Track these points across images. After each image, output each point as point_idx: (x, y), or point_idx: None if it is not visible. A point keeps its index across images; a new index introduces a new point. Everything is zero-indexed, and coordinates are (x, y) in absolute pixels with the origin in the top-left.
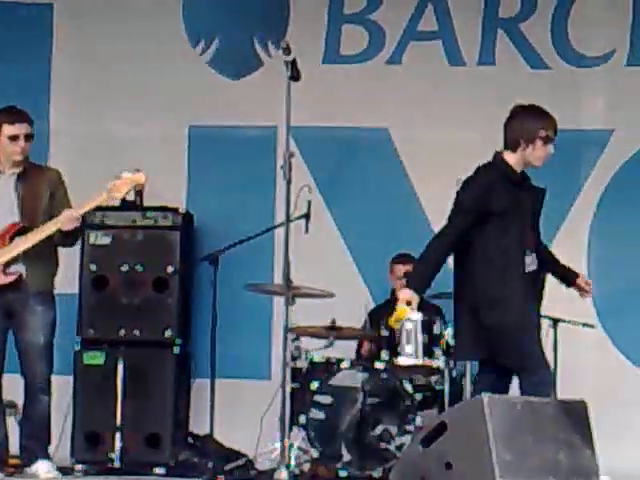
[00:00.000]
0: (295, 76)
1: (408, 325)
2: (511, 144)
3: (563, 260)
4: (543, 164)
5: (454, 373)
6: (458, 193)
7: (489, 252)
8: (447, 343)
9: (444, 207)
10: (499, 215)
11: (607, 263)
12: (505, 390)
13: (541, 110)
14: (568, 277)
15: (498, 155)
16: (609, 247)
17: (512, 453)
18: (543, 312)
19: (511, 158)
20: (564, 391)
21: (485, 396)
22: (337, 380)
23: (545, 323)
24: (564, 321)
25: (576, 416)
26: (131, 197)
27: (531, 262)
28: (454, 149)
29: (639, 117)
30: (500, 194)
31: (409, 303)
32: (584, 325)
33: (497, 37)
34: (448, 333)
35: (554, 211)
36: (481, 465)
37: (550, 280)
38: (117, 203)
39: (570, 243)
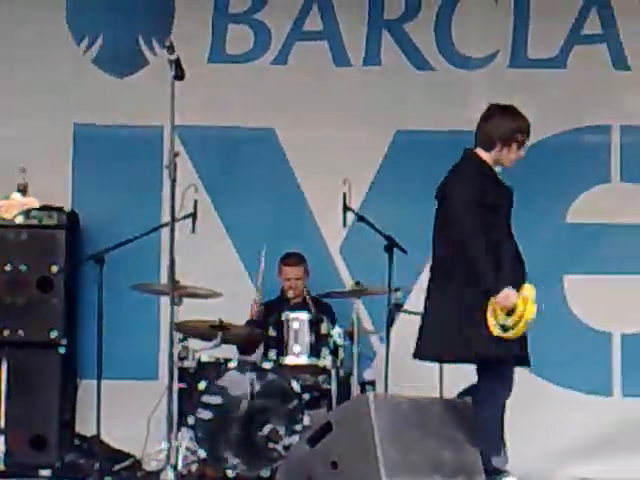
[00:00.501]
0: (179, 75)
1: (295, 324)
2: (486, 144)
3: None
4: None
5: (341, 372)
6: (446, 193)
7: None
8: (335, 342)
9: (331, 206)
10: (490, 209)
11: None
12: None
13: (517, 112)
14: None
15: (474, 153)
16: None
17: (398, 451)
18: None
19: (485, 156)
20: (449, 390)
21: (370, 394)
22: (225, 380)
23: None
24: None
25: (461, 414)
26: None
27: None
28: (340, 149)
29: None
30: (489, 189)
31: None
32: None
33: (382, 38)
34: (336, 332)
35: None
36: (367, 464)
37: None
38: None
39: None
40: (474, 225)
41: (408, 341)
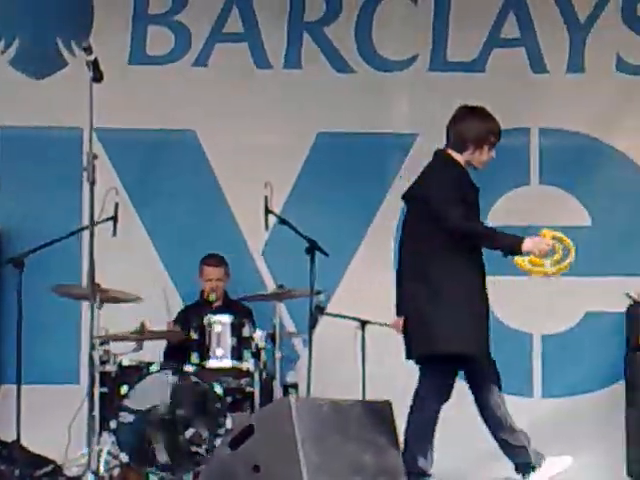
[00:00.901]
0: (98, 77)
1: (217, 328)
2: (458, 145)
3: (373, 262)
4: None
5: (264, 375)
6: (425, 193)
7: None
8: (257, 345)
9: (253, 209)
10: (468, 206)
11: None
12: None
13: (488, 114)
14: None
15: (447, 154)
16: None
17: (319, 454)
18: (351, 314)
19: (458, 157)
20: (372, 392)
21: (292, 397)
22: (147, 384)
23: (353, 325)
24: (372, 323)
25: (381, 416)
26: None
27: None
28: (261, 151)
29: (442, 121)
30: (467, 189)
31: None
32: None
33: (303, 40)
34: (258, 335)
35: (361, 214)
36: (289, 467)
37: (355, 281)
38: None
39: (377, 246)
40: (462, 215)
41: (330, 344)
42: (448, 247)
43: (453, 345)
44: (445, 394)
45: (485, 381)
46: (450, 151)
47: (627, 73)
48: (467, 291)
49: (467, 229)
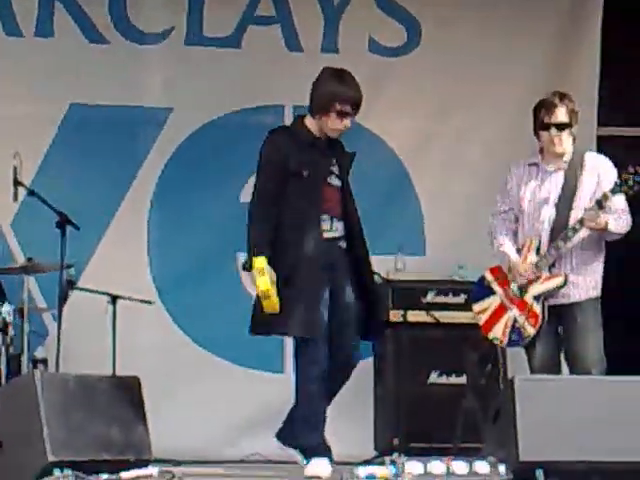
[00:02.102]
0: None
1: None
2: (310, 109)
3: (125, 237)
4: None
5: (12, 350)
6: (260, 154)
7: (286, 215)
8: (4, 320)
9: (1, 180)
10: (294, 176)
11: (167, 241)
12: None
13: (344, 79)
14: None
15: (300, 118)
16: (169, 225)
17: (65, 430)
18: (101, 288)
19: (310, 122)
20: (123, 368)
21: (37, 372)
22: None
23: (104, 299)
24: (123, 298)
25: (129, 392)
26: None
27: (332, 228)
28: (10, 121)
29: (197, 97)
30: (294, 155)
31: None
32: (143, 302)
33: (54, 8)
34: (5, 310)
35: (114, 187)
36: (33, 443)
37: (107, 255)
38: None
39: (131, 220)
40: (263, 189)
41: (81, 318)
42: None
43: None
44: None
45: None
46: (307, 116)
47: (380, 54)
48: None
49: (249, 208)
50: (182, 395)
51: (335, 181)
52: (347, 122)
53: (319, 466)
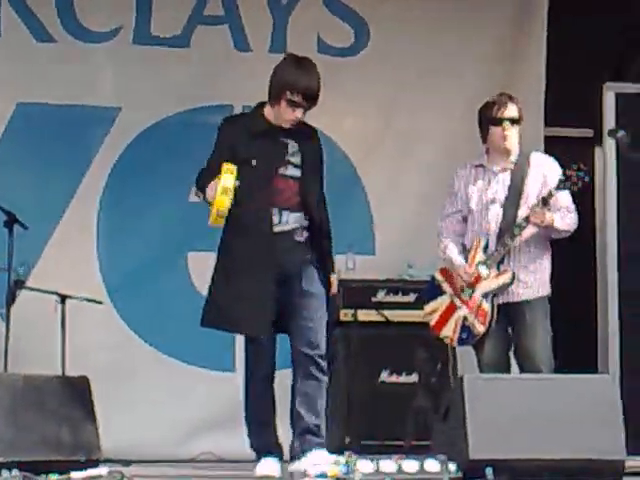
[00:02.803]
0: None
1: None
2: (268, 95)
3: (75, 236)
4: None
5: None
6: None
7: (236, 207)
8: None
9: None
10: (243, 165)
11: (117, 240)
12: None
13: (300, 67)
14: None
15: (259, 105)
16: (118, 224)
17: (13, 430)
18: (50, 288)
19: (268, 110)
20: (72, 367)
21: None
22: None
23: (53, 299)
24: (72, 297)
25: (78, 392)
26: None
27: (281, 222)
28: None
29: (146, 96)
30: (243, 143)
31: None
32: (92, 301)
33: (1, 8)
34: None
35: (63, 187)
36: None
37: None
38: None
39: (80, 219)
40: (205, 174)
41: (30, 318)
42: None
43: None
44: None
45: None
46: (267, 104)
47: (328, 55)
48: None
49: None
50: (132, 394)
51: (292, 171)
52: (298, 113)
53: (268, 466)
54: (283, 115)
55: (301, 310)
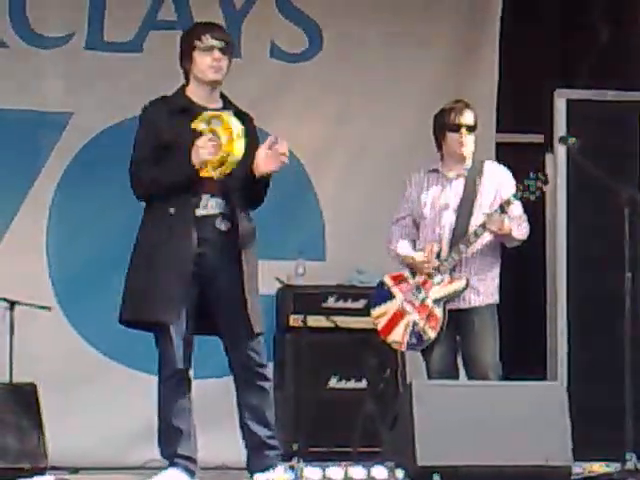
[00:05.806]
0: None
1: None
2: (181, 62)
3: (24, 242)
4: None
5: None
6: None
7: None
8: None
9: None
10: (165, 150)
11: (66, 246)
12: None
13: (199, 22)
14: None
15: (182, 86)
16: (69, 230)
17: None
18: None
19: (191, 89)
20: (20, 374)
21: None
22: None
23: (1, 305)
24: (21, 303)
25: (26, 399)
26: None
27: (207, 206)
28: None
29: (97, 101)
30: (165, 124)
31: None
32: (41, 307)
33: None
34: None
35: (12, 193)
36: None
37: (5, 261)
38: None
39: (29, 225)
40: (136, 159)
41: None
42: None
43: None
44: None
45: None
46: (189, 82)
47: (281, 60)
48: None
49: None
50: (80, 401)
51: None
52: (216, 54)
53: (168, 477)
54: (201, 67)
55: (225, 315)
